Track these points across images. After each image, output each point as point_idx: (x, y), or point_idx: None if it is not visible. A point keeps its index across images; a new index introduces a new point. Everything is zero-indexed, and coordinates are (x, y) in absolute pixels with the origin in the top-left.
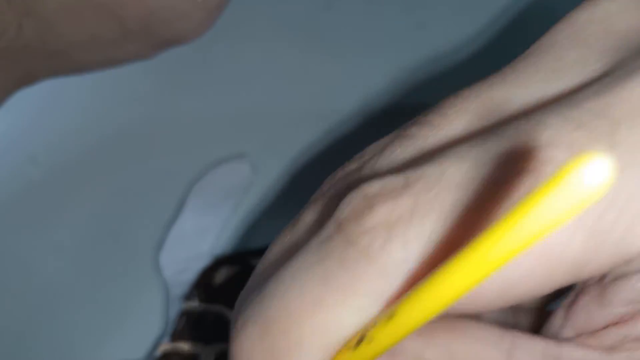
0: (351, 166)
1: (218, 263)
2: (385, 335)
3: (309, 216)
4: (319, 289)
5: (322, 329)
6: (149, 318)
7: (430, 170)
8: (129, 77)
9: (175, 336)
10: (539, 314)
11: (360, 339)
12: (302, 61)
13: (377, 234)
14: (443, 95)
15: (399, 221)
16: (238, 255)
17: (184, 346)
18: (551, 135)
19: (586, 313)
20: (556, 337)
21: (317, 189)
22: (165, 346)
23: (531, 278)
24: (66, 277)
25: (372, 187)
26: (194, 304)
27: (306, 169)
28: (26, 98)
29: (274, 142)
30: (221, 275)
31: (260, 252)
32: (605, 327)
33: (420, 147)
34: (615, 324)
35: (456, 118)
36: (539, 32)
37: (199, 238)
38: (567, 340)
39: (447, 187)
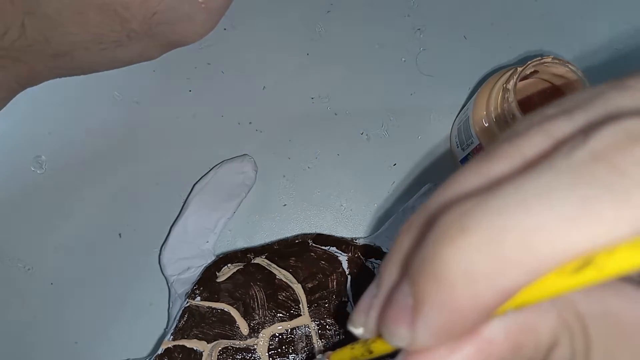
0: (553, 110)
1: (220, 261)
2: (616, 263)
3: (526, 146)
4: (576, 208)
5: (569, 246)
6: (151, 316)
7: None
8: (132, 78)
9: (178, 333)
10: None
11: (583, 264)
12: (303, 62)
13: None
14: (442, 96)
15: None
16: (240, 253)
17: (187, 343)
18: None
19: None
20: None
21: (316, 188)
22: (168, 343)
23: None
24: (69, 276)
25: (635, 124)
26: (197, 301)
27: (306, 169)
28: (30, 98)
29: (274, 142)
30: (223, 273)
31: (261, 250)
32: None
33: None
34: None
35: None
36: None
37: (201, 236)
38: None
39: None
